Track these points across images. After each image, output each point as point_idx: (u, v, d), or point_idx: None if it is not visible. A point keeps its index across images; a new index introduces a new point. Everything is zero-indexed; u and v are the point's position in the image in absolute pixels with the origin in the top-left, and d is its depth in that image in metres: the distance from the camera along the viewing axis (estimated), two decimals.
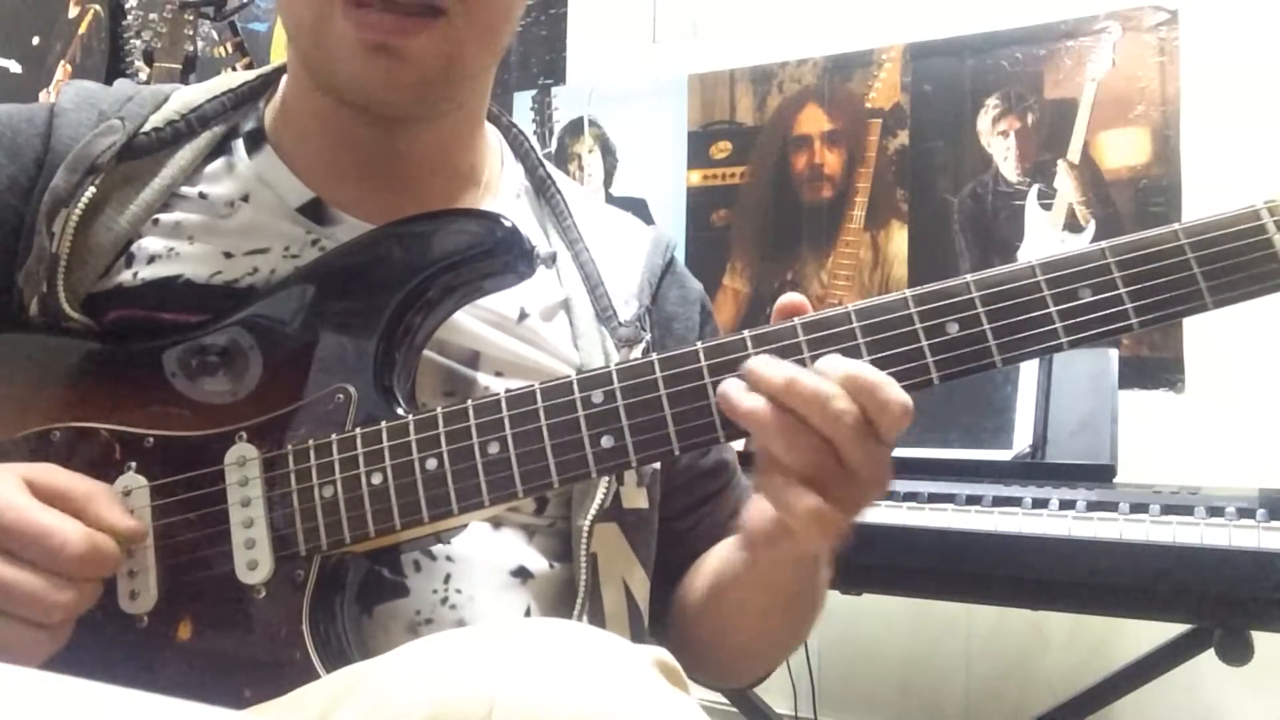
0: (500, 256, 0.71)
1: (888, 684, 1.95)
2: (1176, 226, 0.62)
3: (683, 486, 0.87)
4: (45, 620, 0.61)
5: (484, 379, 0.75)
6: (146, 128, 0.77)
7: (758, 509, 0.66)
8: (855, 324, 0.63)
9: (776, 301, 0.66)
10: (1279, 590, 1.12)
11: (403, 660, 0.52)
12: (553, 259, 0.82)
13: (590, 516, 0.75)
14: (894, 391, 0.60)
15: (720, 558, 0.82)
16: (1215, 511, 1.17)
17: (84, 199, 0.73)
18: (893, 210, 2.09)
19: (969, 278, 0.63)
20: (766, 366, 0.61)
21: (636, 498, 0.79)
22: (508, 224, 0.71)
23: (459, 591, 0.71)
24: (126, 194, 0.75)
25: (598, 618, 0.76)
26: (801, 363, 0.63)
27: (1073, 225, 1.92)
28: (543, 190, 0.87)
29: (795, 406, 0.60)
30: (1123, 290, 0.62)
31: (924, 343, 0.63)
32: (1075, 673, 1.74)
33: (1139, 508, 1.21)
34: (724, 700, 1.73)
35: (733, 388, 0.62)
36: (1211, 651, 1.27)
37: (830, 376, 0.60)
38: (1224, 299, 0.62)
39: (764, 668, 0.88)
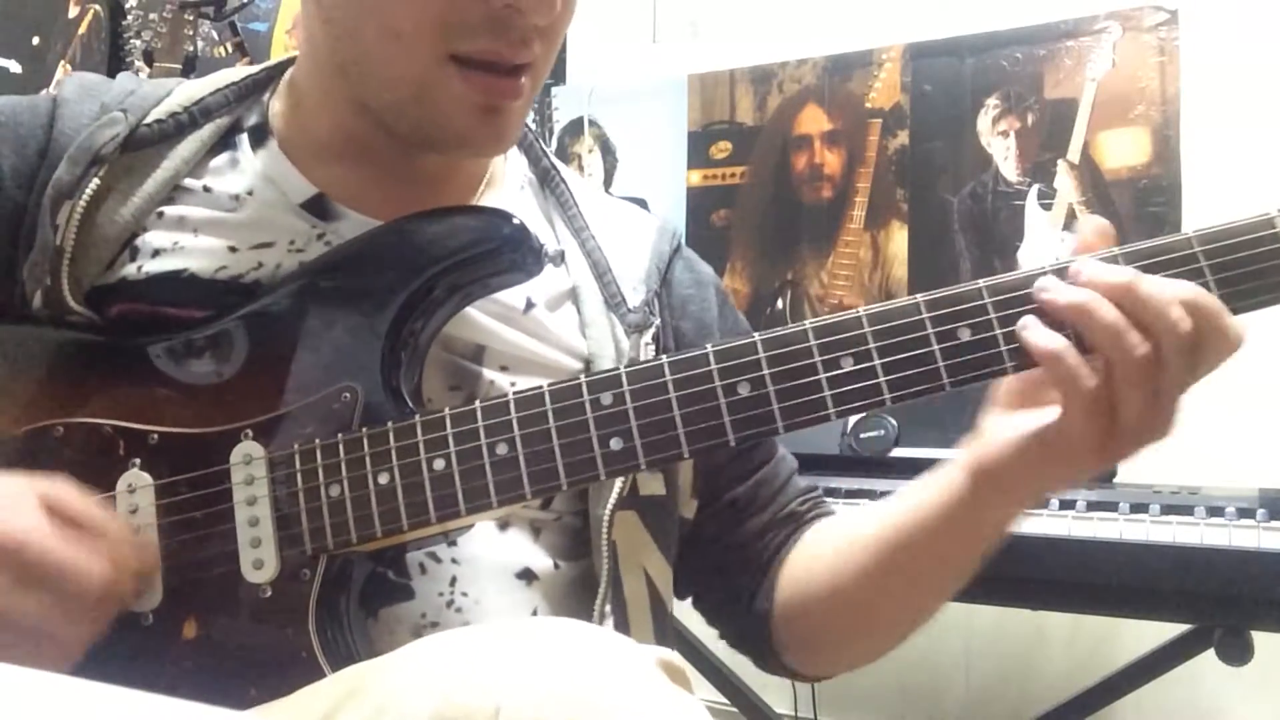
0: (507, 254, 0.71)
1: (888, 684, 1.95)
2: (1190, 234, 0.62)
3: (734, 459, 0.86)
4: (68, 644, 0.61)
5: (489, 374, 0.75)
6: (149, 119, 0.77)
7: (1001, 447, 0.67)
8: (867, 329, 0.63)
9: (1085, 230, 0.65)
10: (1279, 590, 1.12)
11: (408, 661, 0.51)
12: (561, 257, 0.82)
13: (610, 505, 0.74)
14: (1232, 320, 0.61)
15: (869, 538, 0.78)
16: (1215, 511, 1.17)
17: (88, 191, 0.73)
18: (893, 210, 2.09)
19: (981, 283, 0.63)
20: (1105, 269, 0.61)
21: (653, 484, 0.79)
22: (515, 221, 0.71)
23: (465, 594, 0.71)
24: (129, 186, 0.75)
25: (619, 607, 0.75)
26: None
27: (1073, 225, 1.92)
28: (547, 181, 0.87)
29: (1133, 306, 0.60)
30: None
31: (935, 347, 0.63)
32: (1075, 673, 1.74)
33: (1139, 508, 1.21)
34: (724, 700, 1.73)
35: (1053, 284, 0.62)
36: (1211, 651, 1.27)
37: (1170, 290, 0.60)
38: (1239, 308, 0.62)
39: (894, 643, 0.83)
